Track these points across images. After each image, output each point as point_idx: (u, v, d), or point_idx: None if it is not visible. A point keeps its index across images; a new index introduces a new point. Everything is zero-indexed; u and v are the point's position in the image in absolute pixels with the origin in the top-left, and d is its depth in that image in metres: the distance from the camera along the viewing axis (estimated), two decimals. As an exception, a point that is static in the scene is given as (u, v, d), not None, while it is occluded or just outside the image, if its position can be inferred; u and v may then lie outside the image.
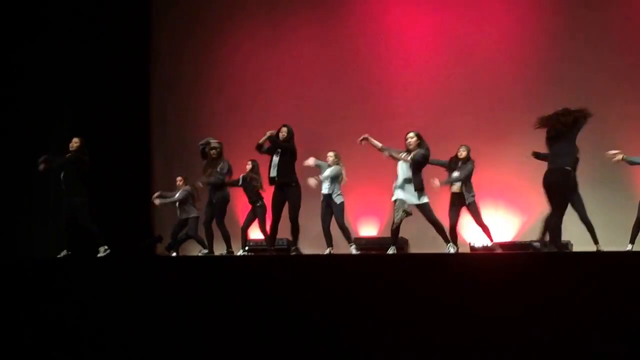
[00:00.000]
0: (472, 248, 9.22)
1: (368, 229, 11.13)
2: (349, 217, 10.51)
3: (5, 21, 10.46)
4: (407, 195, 7.36)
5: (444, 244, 7.58)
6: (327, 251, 7.96)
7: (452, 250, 7.41)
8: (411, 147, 7.45)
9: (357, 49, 11.54)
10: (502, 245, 9.52)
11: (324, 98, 11.49)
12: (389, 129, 10.70)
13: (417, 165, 7.33)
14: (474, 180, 8.29)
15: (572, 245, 8.84)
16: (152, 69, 12.60)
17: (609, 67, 10.08)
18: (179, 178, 9.86)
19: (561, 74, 10.26)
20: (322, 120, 11.18)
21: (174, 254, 9.39)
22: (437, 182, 7.85)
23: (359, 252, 8.10)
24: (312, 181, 8.11)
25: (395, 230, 7.45)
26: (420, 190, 7.32)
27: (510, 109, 10.41)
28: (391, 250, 7.53)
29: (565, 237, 7.04)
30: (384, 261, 6.27)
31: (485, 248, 9.41)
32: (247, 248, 9.50)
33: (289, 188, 7.66)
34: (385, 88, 11.29)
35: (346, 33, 11.65)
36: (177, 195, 9.52)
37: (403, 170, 7.46)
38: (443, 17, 11.19)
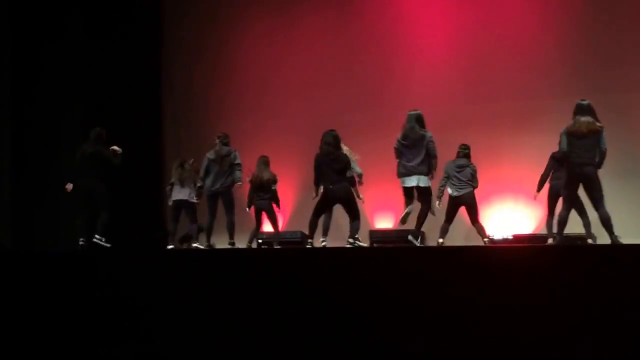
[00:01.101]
0: (491, 240, 9.12)
1: (384, 222, 11.06)
2: (364, 211, 10.45)
3: (22, 21, 10.52)
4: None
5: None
6: (322, 242, 7.87)
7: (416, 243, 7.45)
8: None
9: (367, 41, 11.41)
10: (523, 238, 9.44)
11: (335, 90, 11.37)
12: (400, 121, 10.65)
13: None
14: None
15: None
16: (163, 62, 12.55)
17: (628, 56, 9.93)
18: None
19: (581, 62, 10.12)
20: (334, 113, 11.06)
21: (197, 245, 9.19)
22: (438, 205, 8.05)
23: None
24: None
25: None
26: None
27: (530, 98, 10.29)
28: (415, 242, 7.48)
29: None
30: (400, 254, 6.19)
31: (505, 240, 9.32)
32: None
33: None
34: (401, 77, 11.16)
35: (357, 25, 11.52)
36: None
37: None
38: (455, 6, 11.06)
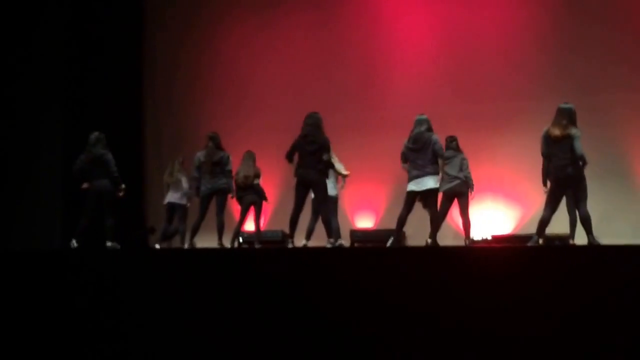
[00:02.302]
0: (472, 241, 9.19)
1: (364, 221, 11.10)
2: (345, 210, 10.48)
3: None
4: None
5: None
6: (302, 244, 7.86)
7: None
8: None
9: (350, 40, 11.46)
10: (503, 238, 9.52)
11: (320, 87, 11.38)
12: (386, 119, 10.72)
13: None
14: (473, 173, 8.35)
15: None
16: (144, 63, 12.49)
17: (615, 56, 10.08)
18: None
19: (564, 63, 10.25)
20: (318, 110, 11.10)
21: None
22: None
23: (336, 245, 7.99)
24: None
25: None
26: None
27: (511, 99, 10.40)
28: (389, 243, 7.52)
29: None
30: (382, 254, 6.23)
31: (485, 241, 9.41)
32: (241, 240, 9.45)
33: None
34: (383, 77, 11.22)
35: (340, 24, 11.56)
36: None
37: None
38: (439, 5, 11.14)
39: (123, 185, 8.22)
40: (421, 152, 7.23)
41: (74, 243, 7.94)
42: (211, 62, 12.21)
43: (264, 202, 9.33)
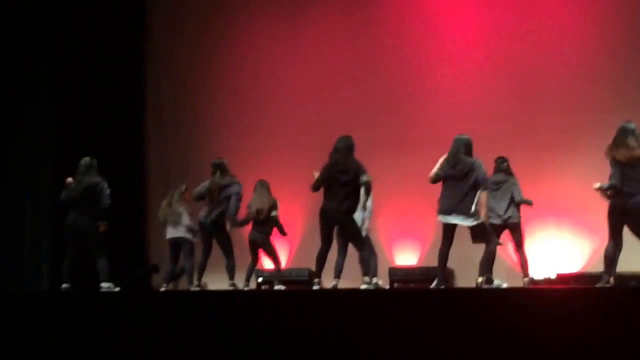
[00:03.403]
0: (532, 281, 9.11)
1: (405, 258, 11.05)
2: (382, 244, 10.43)
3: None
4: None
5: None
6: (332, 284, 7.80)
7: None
8: None
9: (382, 49, 11.49)
10: (570, 278, 9.40)
11: (350, 100, 11.43)
12: (427, 135, 10.70)
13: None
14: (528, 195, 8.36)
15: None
16: (147, 78, 12.69)
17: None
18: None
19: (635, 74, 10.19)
20: (345, 128, 11.08)
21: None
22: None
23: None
24: None
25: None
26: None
27: (576, 112, 10.34)
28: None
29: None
30: (425, 296, 6.21)
31: (548, 281, 9.29)
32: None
33: None
34: (424, 87, 11.21)
35: (376, 24, 11.60)
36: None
37: None
38: (488, 11, 11.14)
39: (104, 221, 8.16)
40: (461, 180, 7.15)
41: (65, 286, 7.99)
42: (224, 76, 12.32)
43: (283, 237, 9.34)
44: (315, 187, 7.43)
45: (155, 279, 11.30)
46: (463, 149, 7.23)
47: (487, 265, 7.35)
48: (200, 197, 8.52)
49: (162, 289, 9.17)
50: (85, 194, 8.10)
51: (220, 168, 8.50)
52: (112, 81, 11.59)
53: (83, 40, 11.44)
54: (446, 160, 7.28)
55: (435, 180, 7.32)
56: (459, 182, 7.13)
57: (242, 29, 12.31)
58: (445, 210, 7.16)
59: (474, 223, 7.15)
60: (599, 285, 6.75)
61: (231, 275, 8.43)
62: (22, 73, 10.93)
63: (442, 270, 7.31)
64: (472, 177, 7.11)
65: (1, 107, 10.74)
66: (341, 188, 7.27)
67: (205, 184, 8.52)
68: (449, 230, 7.24)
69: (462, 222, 7.15)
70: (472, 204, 7.09)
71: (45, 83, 11.16)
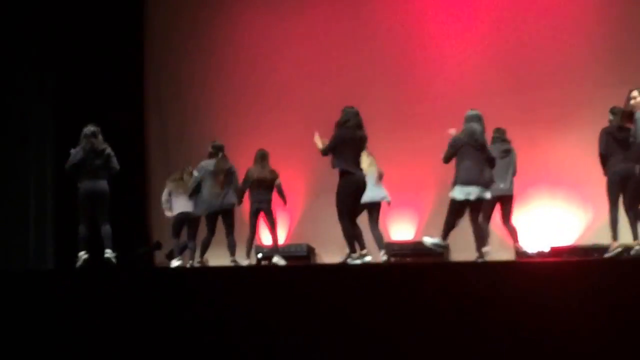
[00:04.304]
0: (524, 254, 9.14)
1: (402, 232, 11.11)
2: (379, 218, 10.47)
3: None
4: None
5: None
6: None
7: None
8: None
9: (389, 19, 11.49)
10: (562, 250, 9.44)
11: (350, 75, 11.42)
12: (426, 112, 10.73)
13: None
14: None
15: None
16: (146, 59, 12.69)
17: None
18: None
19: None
20: (344, 99, 11.03)
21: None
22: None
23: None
24: None
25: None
26: None
27: (572, 87, 10.36)
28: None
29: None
30: (421, 269, 6.23)
31: (541, 254, 9.33)
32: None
33: None
34: (424, 64, 11.22)
35: (377, 1, 11.62)
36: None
37: None
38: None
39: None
40: (478, 151, 7.05)
41: (83, 255, 7.97)
42: (223, 55, 12.32)
43: (283, 209, 9.44)
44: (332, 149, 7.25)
45: (158, 256, 11.35)
46: (476, 123, 7.15)
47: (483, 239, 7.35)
48: (197, 190, 8.76)
49: (175, 264, 9.24)
50: (95, 157, 8.03)
51: (222, 150, 8.70)
52: (112, 65, 11.62)
53: (83, 24, 11.44)
54: (462, 132, 7.16)
55: (449, 156, 7.19)
56: (476, 151, 7.02)
57: (241, 7, 12.29)
58: (464, 181, 6.97)
59: (490, 197, 7.12)
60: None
61: (233, 252, 8.58)
62: (24, 56, 10.93)
63: (444, 236, 7.14)
64: (486, 151, 7.11)
65: (4, 84, 10.72)
66: (357, 157, 7.22)
67: (196, 177, 8.69)
68: (462, 207, 7.06)
69: (481, 195, 7.01)
70: (491, 175, 7.09)
71: (48, 66, 11.20)
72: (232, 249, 8.58)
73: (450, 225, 7.05)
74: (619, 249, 7.14)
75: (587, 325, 4.89)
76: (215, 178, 8.59)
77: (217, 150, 8.71)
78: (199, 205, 8.80)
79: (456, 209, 7.03)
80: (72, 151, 8.07)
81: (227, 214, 8.65)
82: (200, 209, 8.84)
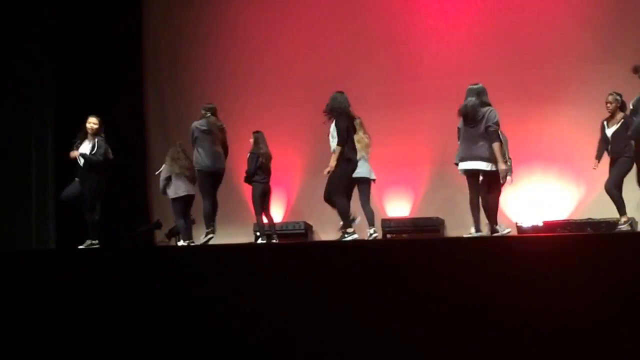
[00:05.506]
0: (520, 229, 9.18)
1: (398, 208, 11.15)
2: (374, 196, 10.51)
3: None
4: None
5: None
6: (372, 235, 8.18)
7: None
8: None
9: (375, 3, 11.47)
10: (555, 225, 9.46)
11: (343, 54, 11.38)
12: (421, 90, 10.71)
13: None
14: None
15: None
16: (144, 38, 12.69)
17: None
18: None
19: (629, 25, 10.12)
20: (341, 81, 11.10)
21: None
22: None
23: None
24: None
25: None
26: None
27: (564, 64, 10.33)
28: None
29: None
30: (415, 246, 6.24)
31: (535, 229, 9.36)
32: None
33: None
34: (417, 42, 11.14)
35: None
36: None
37: None
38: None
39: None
40: (473, 127, 7.12)
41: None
42: (219, 33, 12.26)
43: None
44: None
45: (158, 235, 11.37)
46: (475, 98, 7.18)
47: (495, 214, 7.34)
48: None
49: (184, 243, 9.03)
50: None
51: (212, 112, 8.51)
52: (111, 41, 11.62)
53: (82, 9, 11.41)
54: (458, 112, 7.24)
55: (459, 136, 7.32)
56: (471, 129, 7.12)
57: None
58: (460, 158, 7.17)
59: (489, 168, 7.11)
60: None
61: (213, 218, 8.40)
62: (25, 43, 10.89)
63: (476, 219, 7.24)
64: (482, 124, 7.10)
65: (4, 68, 10.68)
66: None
67: (196, 133, 8.37)
68: (472, 181, 7.19)
69: (478, 167, 7.08)
70: (486, 148, 7.07)
71: (46, 43, 11.14)
72: (212, 218, 8.30)
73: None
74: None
75: (586, 301, 4.88)
76: (213, 136, 8.34)
77: (207, 111, 8.50)
78: (199, 163, 8.38)
79: (468, 183, 7.24)
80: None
81: (220, 178, 8.45)
82: (201, 165, 8.38)
